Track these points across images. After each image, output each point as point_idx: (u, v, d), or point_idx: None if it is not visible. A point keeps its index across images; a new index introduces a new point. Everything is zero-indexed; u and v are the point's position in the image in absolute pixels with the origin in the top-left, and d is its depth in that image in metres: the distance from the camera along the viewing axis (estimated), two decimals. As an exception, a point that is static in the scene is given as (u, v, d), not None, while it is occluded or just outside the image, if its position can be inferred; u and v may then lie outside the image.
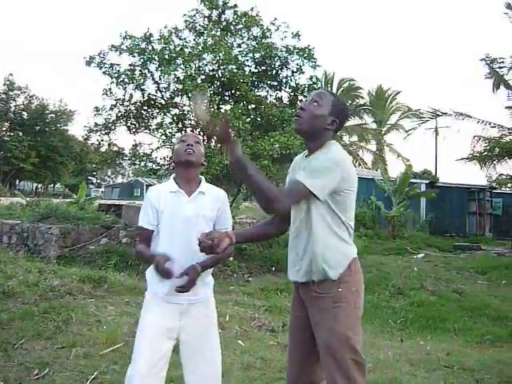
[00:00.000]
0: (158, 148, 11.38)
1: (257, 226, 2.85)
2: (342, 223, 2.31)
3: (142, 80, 10.85)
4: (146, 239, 2.62)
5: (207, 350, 2.60)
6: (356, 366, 2.23)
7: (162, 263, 2.37)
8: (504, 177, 17.68)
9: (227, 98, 11.16)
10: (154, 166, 11.55)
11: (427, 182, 22.33)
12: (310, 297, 2.31)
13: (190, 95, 10.40)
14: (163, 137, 10.88)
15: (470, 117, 15.01)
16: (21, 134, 42.83)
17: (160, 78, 10.89)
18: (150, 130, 11.27)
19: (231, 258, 10.57)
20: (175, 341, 2.58)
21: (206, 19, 11.50)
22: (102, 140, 11.50)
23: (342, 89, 35.13)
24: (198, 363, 2.58)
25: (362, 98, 35.73)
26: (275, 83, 11.44)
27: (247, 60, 11.26)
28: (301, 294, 2.39)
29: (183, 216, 2.53)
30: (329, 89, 32.67)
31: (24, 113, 43.89)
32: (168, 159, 11.35)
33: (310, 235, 2.30)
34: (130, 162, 12.19)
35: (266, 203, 2.15)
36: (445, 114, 15.77)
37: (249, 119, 10.41)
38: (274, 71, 11.30)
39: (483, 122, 14.89)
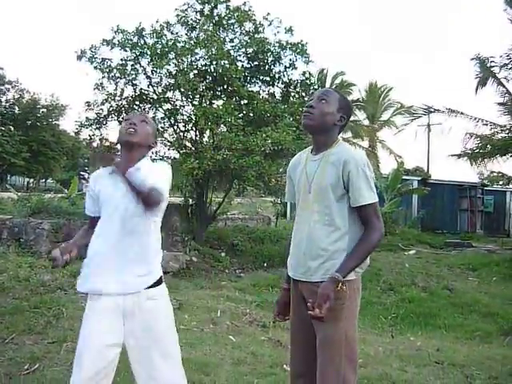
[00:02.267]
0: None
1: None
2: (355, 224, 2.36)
3: (134, 75, 10.78)
4: (92, 227, 2.47)
5: (159, 359, 2.35)
6: (349, 363, 2.26)
7: (54, 253, 2.30)
8: (495, 174, 17.73)
9: (219, 94, 11.12)
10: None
11: (419, 178, 22.42)
12: (313, 292, 2.28)
13: (182, 90, 10.37)
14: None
15: (463, 114, 15.05)
16: (12, 128, 42.50)
17: (152, 73, 10.83)
18: (141, 125, 11.23)
19: (223, 254, 10.57)
20: (120, 347, 2.35)
21: (198, 14, 11.43)
22: (94, 135, 11.43)
23: (334, 85, 35.14)
24: (151, 373, 2.35)
25: (354, 93, 35.75)
26: (268, 78, 11.41)
27: (240, 55, 11.23)
28: (302, 290, 2.40)
29: (116, 197, 2.34)
30: (321, 84, 32.71)
31: (15, 107, 43.57)
32: (160, 154, 11.32)
33: (329, 236, 2.32)
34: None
35: (378, 245, 2.38)
36: (437, 110, 15.80)
37: (241, 115, 10.38)
38: (267, 66, 11.27)
39: (475, 119, 14.94)
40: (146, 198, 2.20)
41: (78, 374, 2.28)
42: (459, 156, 15.73)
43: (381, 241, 2.35)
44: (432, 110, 16.28)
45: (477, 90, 15.28)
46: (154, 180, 2.24)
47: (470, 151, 15.29)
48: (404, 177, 19.42)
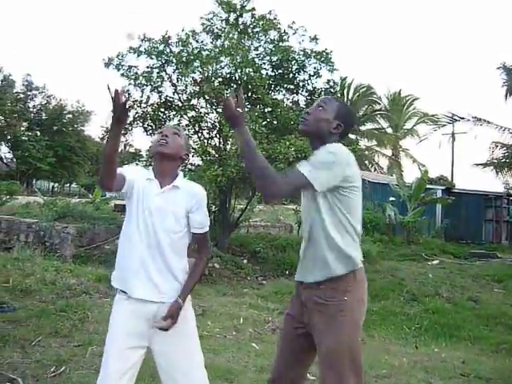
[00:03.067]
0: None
1: None
2: (347, 224, 2.29)
3: (160, 82, 10.91)
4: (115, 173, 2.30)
5: (185, 362, 2.41)
6: (354, 377, 2.22)
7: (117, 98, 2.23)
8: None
9: (244, 101, 11.18)
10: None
11: (443, 188, 22.15)
12: (314, 302, 2.29)
13: (206, 97, 10.44)
14: (180, 139, 10.93)
15: (489, 122, 14.87)
16: (38, 133, 43.27)
17: (177, 80, 10.95)
18: (166, 131, 11.34)
19: (245, 261, 10.58)
20: (145, 349, 2.41)
21: (223, 22, 11.52)
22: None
23: (358, 93, 35.05)
24: (176, 377, 2.40)
25: (378, 103, 35.61)
26: (292, 87, 11.44)
27: (264, 63, 11.28)
28: (303, 297, 2.39)
29: (149, 207, 2.38)
30: (345, 93, 32.66)
31: (42, 113, 44.34)
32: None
33: (313, 235, 2.33)
34: (146, 163, 12.26)
35: (264, 185, 2.21)
36: (462, 118, 15.64)
37: (265, 122, 10.41)
38: (291, 75, 11.29)
39: (502, 127, 14.75)
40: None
41: (103, 372, 2.37)
42: (485, 165, 15.54)
43: (270, 190, 2.24)
44: (457, 118, 16.12)
45: (506, 98, 15.09)
46: (204, 226, 2.49)
47: (495, 160, 15.09)
48: (428, 186, 19.18)
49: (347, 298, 2.24)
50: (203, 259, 2.52)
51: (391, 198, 18.01)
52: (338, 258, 2.26)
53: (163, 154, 2.45)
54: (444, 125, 17.55)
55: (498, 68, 14.67)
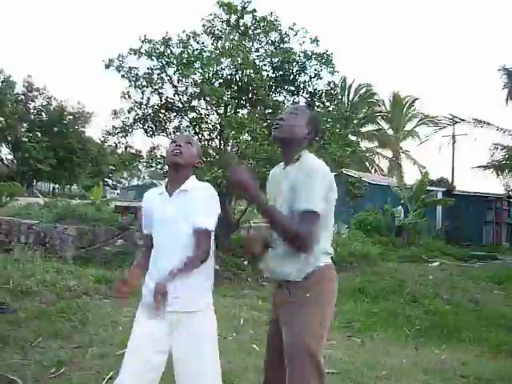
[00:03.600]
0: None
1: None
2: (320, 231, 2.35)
3: (160, 83, 10.92)
4: (149, 245, 2.59)
5: (199, 370, 2.41)
6: (315, 374, 2.27)
7: (119, 285, 2.44)
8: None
9: (244, 103, 11.20)
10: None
11: (444, 189, 22.16)
12: (281, 300, 2.40)
13: (207, 99, 10.46)
14: (180, 140, 10.94)
15: (489, 124, 14.87)
16: (39, 135, 43.31)
17: (178, 82, 10.96)
18: (167, 133, 11.34)
19: (245, 262, 10.58)
20: (166, 354, 2.42)
21: (224, 23, 11.54)
22: (120, 142, 11.60)
23: (358, 95, 35.07)
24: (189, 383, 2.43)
25: (379, 105, 35.61)
26: (293, 88, 11.45)
27: (265, 65, 11.30)
28: (275, 297, 2.50)
29: (164, 217, 2.46)
30: (346, 94, 32.70)
31: (43, 114, 44.38)
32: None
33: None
34: (146, 164, 12.27)
35: (299, 247, 2.28)
36: (463, 120, 15.65)
37: (265, 124, 10.42)
38: (292, 76, 11.31)
39: (502, 129, 14.75)
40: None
41: (122, 375, 2.38)
42: (485, 167, 15.54)
43: (305, 251, 2.29)
44: (457, 120, 16.13)
45: (507, 100, 15.09)
46: (202, 223, 2.42)
47: (496, 162, 15.09)
48: (428, 188, 19.20)
49: (309, 295, 2.30)
50: (197, 255, 2.43)
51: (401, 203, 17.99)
52: (299, 262, 2.33)
53: (178, 164, 2.50)
54: (444, 127, 17.58)
55: (499, 70, 14.68)
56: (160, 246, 2.47)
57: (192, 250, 2.41)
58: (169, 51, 10.82)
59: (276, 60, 11.05)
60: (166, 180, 2.60)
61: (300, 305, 2.31)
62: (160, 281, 2.32)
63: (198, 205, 2.44)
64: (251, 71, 10.45)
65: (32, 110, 44.12)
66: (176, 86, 11.07)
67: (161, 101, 11.25)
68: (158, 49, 10.78)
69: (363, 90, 34.81)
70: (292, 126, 2.46)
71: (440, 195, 20.40)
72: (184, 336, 2.39)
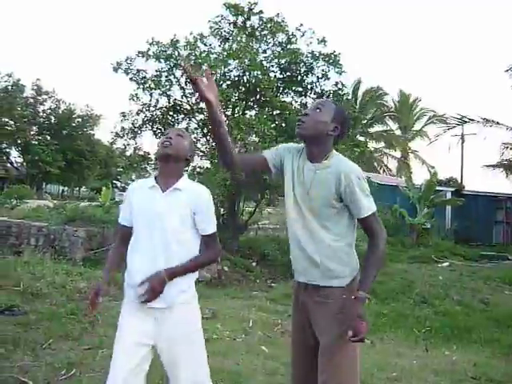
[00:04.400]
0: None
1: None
2: (352, 235, 2.41)
3: (168, 86, 10.98)
4: (124, 237, 2.56)
5: (188, 360, 2.43)
6: (351, 373, 2.31)
7: (93, 293, 2.52)
8: (532, 185, 17.38)
9: (252, 104, 11.21)
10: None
11: (453, 189, 22.03)
12: (315, 302, 2.36)
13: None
14: (188, 142, 10.98)
15: (498, 123, 14.77)
16: (48, 137, 43.52)
17: (186, 84, 11.00)
18: (175, 135, 11.38)
19: (254, 264, 10.58)
20: (151, 347, 2.42)
21: (231, 25, 11.58)
22: (128, 144, 11.65)
23: (367, 95, 34.95)
24: (179, 374, 2.43)
25: (386, 106, 35.47)
26: (300, 89, 11.45)
27: (272, 66, 11.31)
28: (302, 297, 2.44)
29: (153, 212, 2.41)
30: (354, 95, 32.59)
31: (52, 117, 44.60)
32: (192, 164, 11.45)
33: (323, 241, 2.36)
34: (154, 166, 12.31)
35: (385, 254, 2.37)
36: (472, 120, 15.53)
37: (273, 125, 10.43)
38: (300, 77, 11.31)
39: (512, 129, 14.65)
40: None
41: (111, 368, 2.39)
42: (494, 167, 15.45)
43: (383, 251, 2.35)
44: (466, 119, 16.02)
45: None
46: (210, 228, 2.54)
47: (506, 162, 15.00)
48: (437, 187, 19.08)
49: (346, 296, 2.29)
50: (207, 255, 2.53)
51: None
52: (343, 268, 2.36)
53: (167, 154, 2.48)
54: (453, 126, 17.43)
55: (506, 71, 14.57)
56: (144, 241, 2.42)
57: (180, 247, 2.41)
58: (176, 53, 10.87)
59: (283, 61, 11.05)
60: (156, 173, 2.56)
61: (338, 306, 2.30)
62: (155, 277, 2.32)
63: (203, 212, 2.50)
64: (259, 72, 10.47)
65: (41, 113, 44.32)
66: (184, 88, 11.11)
67: (169, 103, 11.30)
68: (165, 51, 10.83)
69: (372, 90, 34.68)
70: (316, 121, 2.37)
71: (449, 195, 20.28)
72: (168, 329, 2.40)
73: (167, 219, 2.40)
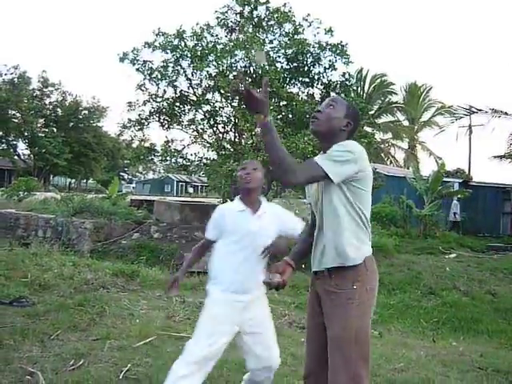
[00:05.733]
0: (190, 144, 11.50)
1: (302, 240, 2.85)
2: (360, 216, 2.38)
3: (175, 76, 10.95)
4: (205, 248, 3.17)
5: (266, 339, 3.01)
6: (362, 363, 2.31)
7: (173, 279, 3.18)
8: (540, 176, 17.24)
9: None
10: (184, 162, 11.66)
11: (460, 180, 21.92)
12: (325, 290, 2.39)
13: (222, 91, 10.44)
14: (195, 133, 10.97)
15: (507, 114, 14.62)
16: (55, 130, 43.66)
17: (192, 75, 10.99)
18: (182, 126, 11.37)
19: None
20: (233, 334, 2.92)
21: (237, 16, 11.51)
22: (135, 136, 11.65)
23: (374, 85, 34.79)
24: (260, 353, 2.97)
25: (395, 94, 35.27)
26: (307, 80, 11.40)
27: (279, 56, 11.25)
28: (316, 286, 2.49)
29: (250, 231, 2.90)
30: (361, 85, 32.46)
31: (58, 109, 44.69)
32: (199, 155, 11.45)
33: (327, 226, 2.40)
34: (161, 158, 12.32)
35: (282, 173, 2.22)
36: (480, 110, 15.37)
37: (280, 116, 10.39)
38: (306, 67, 11.25)
39: (520, 119, 14.49)
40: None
41: (187, 356, 2.86)
42: (502, 157, 15.34)
43: (286, 178, 2.25)
44: (474, 110, 15.87)
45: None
46: (296, 224, 3.06)
47: (514, 152, 14.90)
48: (445, 179, 18.98)
49: (356, 287, 2.32)
50: None
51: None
52: (349, 247, 2.34)
53: (250, 189, 2.99)
54: (461, 117, 17.28)
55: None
56: (241, 255, 2.92)
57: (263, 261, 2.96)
58: (183, 44, 10.83)
59: (290, 51, 10.99)
60: (238, 198, 3.05)
61: (348, 297, 2.32)
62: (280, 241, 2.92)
63: (286, 220, 3.07)
64: (265, 63, 10.41)
65: (47, 106, 44.43)
66: (190, 79, 11.09)
67: (175, 94, 11.28)
68: (172, 42, 10.80)
69: (378, 80, 34.49)
70: (329, 118, 2.42)
71: (457, 186, 20.18)
72: (252, 316, 2.94)
73: (258, 237, 2.89)
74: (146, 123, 11.39)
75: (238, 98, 8.48)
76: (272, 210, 3.09)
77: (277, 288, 2.65)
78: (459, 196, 18.53)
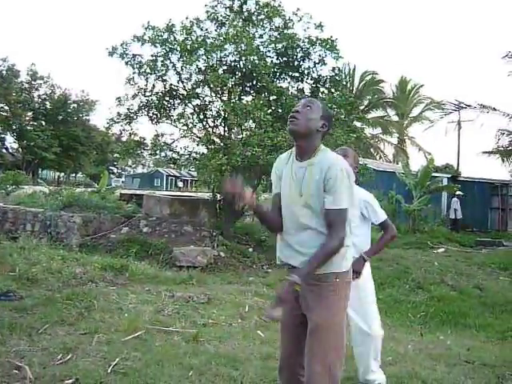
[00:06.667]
0: (179, 138, 11.46)
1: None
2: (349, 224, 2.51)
3: (164, 70, 10.86)
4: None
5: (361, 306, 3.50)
6: (339, 353, 2.45)
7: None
8: (528, 172, 17.39)
9: (248, 89, 11.14)
10: (174, 155, 11.62)
11: (449, 176, 22.05)
12: (307, 283, 2.41)
13: (211, 86, 10.42)
14: (184, 127, 10.92)
15: (495, 109, 14.74)
16: (44, 123, 43.33)
17: (182, 69, 10.90)
18: (171, 120, 11.30)
19: (250, 249, 10.59)
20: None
21: (227, 10, 11.45)
22: (124, 130, 11.59)
23: (364, 81, 34.84)
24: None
25: (383, 92, 35.39)
26: (297, 74, 11.37)
27: (269, 51, 11.21)
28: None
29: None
30: (350, 81, 32.52)
31: (47, 102, 44.35)
32: (188, 150, 11.43)
33: (317, 230, 2.45)
34: (150, 152, 12.26)
35: (338, 248, 2.39)
36: (469, 106, 15.50)
37: (270, 110, 10.36)
38: (296, 62, 11.22)
39: (508, 115, 14.62)
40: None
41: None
42: (490, 153, 15.47)
43: (338, 250, 2.39)
44: (463, 105, 15.99)
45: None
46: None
47: (502, 148, 15.01)
48: (433, 174, 19.10)
49: (339, 280, 2.45)
50: None
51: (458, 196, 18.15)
52: (340, 256, 2.44)
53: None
54: (450, 112, 17.42)
55: (503, 57, 14.52)
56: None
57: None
58: (172, 38, 10.76)
59: (280, 46, 10.96)
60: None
61: (331, 289, 2.43)
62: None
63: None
64: (255, 57, 10.38)
65: (36, 99, 44.08)
66: (180, 73, 11.01)
67: (165, 88, 11.20)
68: (161, 36, 10.72)
69: (369, 77, 34.57)
70: (308, 119, 2.50)
71: (445, 181, 20.31)
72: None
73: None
74: (135, 117, 11.31)
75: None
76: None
77: None
78: (459, 193, 18.64)
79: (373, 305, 3.75)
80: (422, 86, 36.64)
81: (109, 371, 3.57)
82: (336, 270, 2.44)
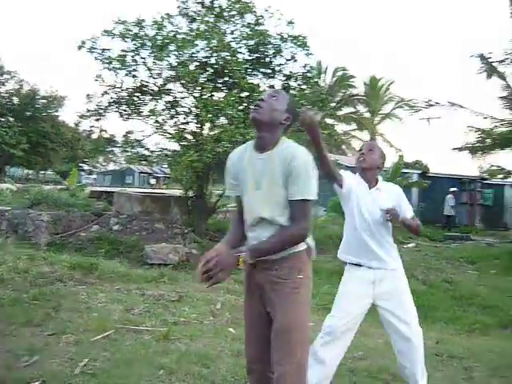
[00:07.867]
0: (151, 135, 11.34)
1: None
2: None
3: (134, 66, 10.71)
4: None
5: (401, 313, 3.34)
6: (305, 350, 2.45)
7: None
8: (495, 168, 17.71)
9: (220, 86, 11.07)
10: (145, 152, 11.51)
11: (419, 172, 22.36)
12: (271, 281, 2.40)
13: (183, 82, 10.33)
14: (156, 123, 10.80)
15: (463, 107, 15.01)
16: (11, 119, 42.36)
17: (152, 65, 10.77)
18: (142, 116, 11.17)
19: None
20: (368, 305, 3.33)
21: (199, 5, 11.36)
22: (93, 126, 11.41)
23: (335, 78, 35.07)
24: (398, 327, 3.34)
25: (355, 87, 35.67)
26: (269, 71, 11.36)
27: (240, 47, 11.15)
28: (257, 278, 2.47)
29: (365, 203, 3.31)
30: (322, 78, 32.68)
31: (14, 98, 43.39)
32: (159, 146, 11.33)
33: (279, 225, 2.39)
34: (121, 148, 12.11)
35: (300, 239, 2.39)
36: (438, 103, 15.73)
37: (242, 107, 10.33)
38: (268, 59, 11.22)
39: (476, 112, 14.91)
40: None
41: (334, 319, 3.34)
42: (460, 149, 15.74)
43: (297, 240, 2.37)
44: (432, 103, 16.19)
45: (482, 84, 15.26)
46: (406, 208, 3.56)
47: (470, 145, 15.29)
48: (404, 170, 19.35)
49: (301, 276, 2.40)
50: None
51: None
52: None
53: (366, 168, 3.38)
54: (420, 110, 17.62)
55: (473, 56, 14.83)
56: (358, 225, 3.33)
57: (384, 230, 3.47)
58: (143, 33, 10.62)
59: (252, 42, 10.93)
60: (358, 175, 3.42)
61: (294, 286, 2.38)
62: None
63: (401, 199, 3.48)
64: (227, 54, 10.33)
65: (3, 94, 43.08)
66: (150, 69, 10.88)
67: (135, 84, 11.06)
68: (131, 30, 10.57)
69: (340, 73, 34.81)
70: (272, 109, 2.42)
71: (415, 177, 20.58)
72: (385, 287, 3.37)
73: (374, 209, 3.35)
74: (104, 114, 11.14)
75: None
76: (388, 188, 3.47)
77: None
78: (454, 189, 18.92)
79: (415, 317, 3.61)
80: (392, 82, 37.02)
81: (77, 372, 3.51)
82: (299, 266, 2.41)
